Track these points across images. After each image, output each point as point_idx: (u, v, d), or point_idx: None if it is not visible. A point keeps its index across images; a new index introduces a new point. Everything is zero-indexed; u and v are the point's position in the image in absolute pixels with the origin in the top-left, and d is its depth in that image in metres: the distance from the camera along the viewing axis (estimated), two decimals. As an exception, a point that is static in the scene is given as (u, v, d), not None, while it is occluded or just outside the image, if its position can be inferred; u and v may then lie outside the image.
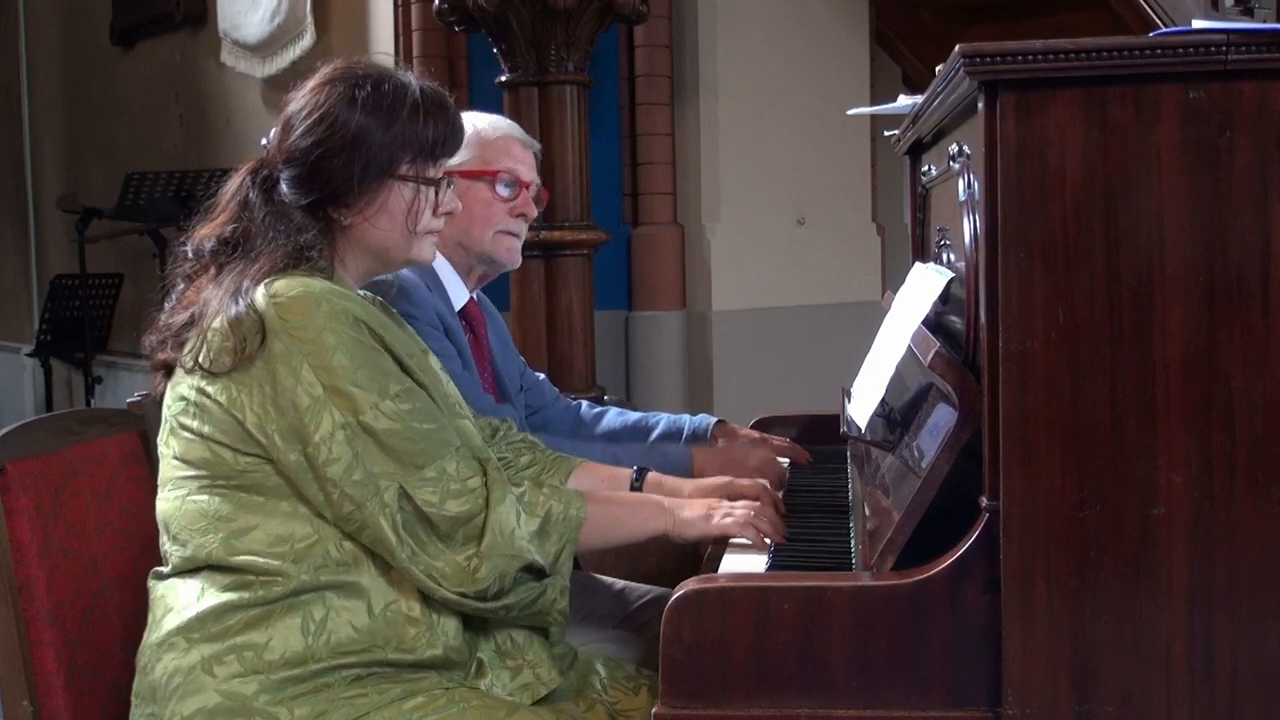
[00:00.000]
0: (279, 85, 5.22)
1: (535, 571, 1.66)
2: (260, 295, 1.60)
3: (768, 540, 1.80)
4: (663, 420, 2.40)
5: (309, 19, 4.96)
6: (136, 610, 1.77)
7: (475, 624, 1.70)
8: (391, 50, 4.50)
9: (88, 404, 6.13)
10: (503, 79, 3.88)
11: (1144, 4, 3.27)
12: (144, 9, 6.40)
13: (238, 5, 5.41)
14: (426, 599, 1.64)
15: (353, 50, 4.49)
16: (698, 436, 2.37)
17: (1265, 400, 1.37)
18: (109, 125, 6.95)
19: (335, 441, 1.58)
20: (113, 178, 6.08)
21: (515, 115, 3.78)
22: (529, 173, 2.22)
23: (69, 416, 1.90)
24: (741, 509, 1.82)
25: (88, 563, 1.79)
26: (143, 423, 1.99)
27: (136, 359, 6.40)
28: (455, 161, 2.03)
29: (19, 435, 1.75)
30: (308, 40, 4.98)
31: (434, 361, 1.83)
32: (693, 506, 1.83)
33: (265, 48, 5.25)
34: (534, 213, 2.24)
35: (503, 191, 2.18)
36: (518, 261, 2.26)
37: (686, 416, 2.42)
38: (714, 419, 2.40)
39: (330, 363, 1.58)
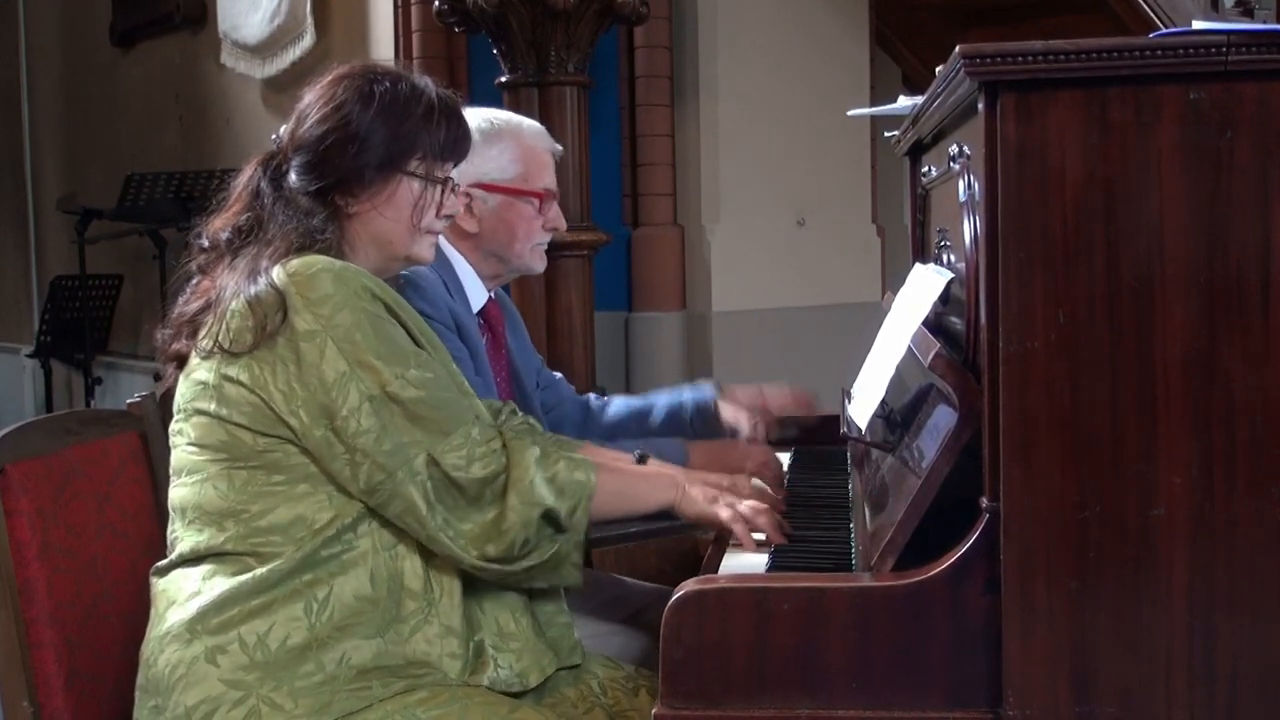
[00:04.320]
0: (279, 86, 5.25)
1: (554, 524, 1.67)
2: (278, 273, 1.62)
3: (760, 539, 1.80)
4: (663, 405, 2.39)
5: (309, 20, 4.96)
6: (137, 611, 1.77)
7: (473, 610, 1.71)
8: (391, 51, 4.50)
9: (88, 405, 6.13)
10: (502, 80, 3.88)
11: (1144, 5, 3.27)
12: (144, 10, 6.41)
13: (238, 6, 5.41)
14: (427, 577, 1.66)
15: (352, 52, 4.50)
16: (701, 412, 2.36)
17: (1265, 400, 1.37)
18: (109, 126, 6.95)
19: (363, 413, 1.60)
20: (113, 179, 6.08)
21: (515, 117, 3.78)
22: (554, 181, 2.24)
23: (69, 417, 1.90)
24: (747, 505, 1.83)
25: (88, 564, 1.79)
26: (142, 424, 1.99)
27: (136, 360, 6.40)
28: (500, 175, 2.08)
29: (19, 436, 1.75)
30: (308, 41, 4.98)
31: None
32: (704, 488, 1.84)
33: (265, 49, 5.26)
34: (564, 227, 2.26)
35: (545, 209, 2.20)
36: (544, 265, 2.28)
37: (686, 394, 2.40)
38: (712, 392, 2.38)
39: (353, 336, 1.61)
